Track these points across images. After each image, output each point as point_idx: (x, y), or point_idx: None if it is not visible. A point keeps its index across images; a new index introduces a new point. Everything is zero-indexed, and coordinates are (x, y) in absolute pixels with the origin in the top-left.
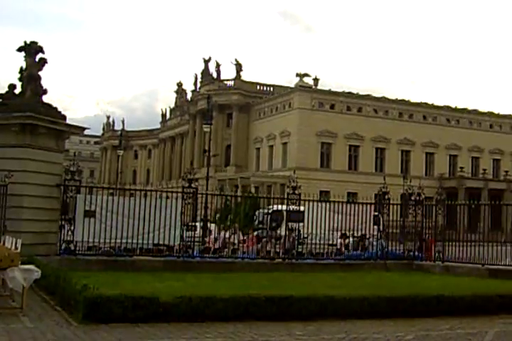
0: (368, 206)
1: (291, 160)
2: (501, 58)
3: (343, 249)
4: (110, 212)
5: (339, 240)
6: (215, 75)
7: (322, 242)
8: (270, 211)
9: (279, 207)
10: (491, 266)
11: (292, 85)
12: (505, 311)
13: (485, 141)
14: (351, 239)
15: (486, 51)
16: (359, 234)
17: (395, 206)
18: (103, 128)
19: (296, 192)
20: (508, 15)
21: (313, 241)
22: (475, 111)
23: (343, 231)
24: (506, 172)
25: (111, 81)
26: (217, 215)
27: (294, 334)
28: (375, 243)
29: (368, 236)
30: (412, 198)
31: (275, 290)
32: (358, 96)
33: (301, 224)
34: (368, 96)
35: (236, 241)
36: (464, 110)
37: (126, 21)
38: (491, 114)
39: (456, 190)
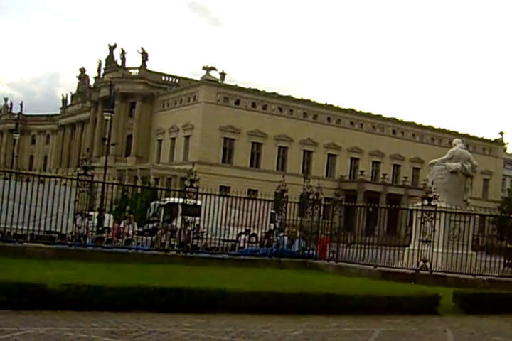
0: (266, 203)
1: (192, 153)
2: (407, 65)
3: (246, 244)
4: (1, 196)
5: (242, 236)
6: (119, 63)
7: (218, 237)
8: (165, 203)
9: (175, 199)
10: (383, 268)
11: (198, 78)
12: (393, 312)
13: (386, 146)
14: (259, 235)
15: (391, 56)
16: (258, 230)
17: (294, 205)
18: (0, 111)
19: (195, 185)
20: (410, 14)
21: (209, 236)
22: (379, 117)
23: (247, 227)
24: (405, 178)
25: (10, 61)
26: (115, 206)
27: (182, 326)
28: (285, 240)
29: (282, 234)
30: (311, 198)
31: (167, 281)
32: (263, 93)
33: (197, 218)
34: (273, 95)
35: (131, 232)
36: (368, 114)
37: (29, 0)
38: (394, 120)
39: (355, 192)
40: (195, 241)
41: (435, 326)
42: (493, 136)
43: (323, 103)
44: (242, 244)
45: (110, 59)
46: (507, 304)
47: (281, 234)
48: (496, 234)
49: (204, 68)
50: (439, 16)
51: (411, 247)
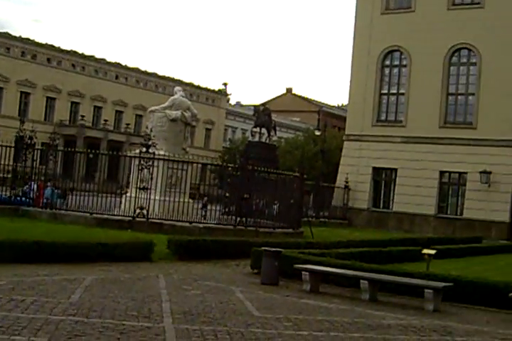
0: None
1: None
2: (135, 10)
3: None
4: None
5: None
6: None
7: None
8: None
9: None
10: (100, 216)
11: None
12: (107, 259)
13: (109, 91)
14: None
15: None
16: None
17: (7, 149)
18: None
19: None
20: None
21: None
22: (102, 61)
23: None
24: (128, 124)
25: None
26: None
27: None
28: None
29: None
30: (25, 142)
31: None
32: None
33: None
34: None
35: None
36: (90, 57)
37: None
38: (117, 65)
39: (75, 138)
40: None
41: (148, 273)
42: (217, 86)
43: (43, 42)
44: None
45: None
46: (220, 250)
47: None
48: (216, 183)
49: None
50: None
51: (129, 194)
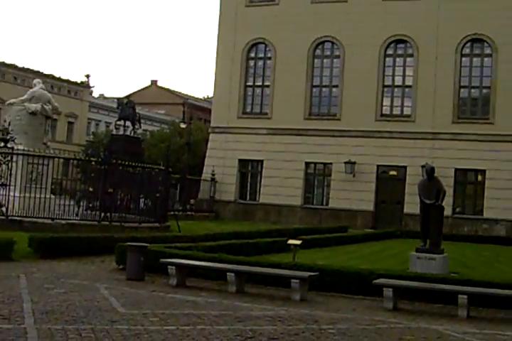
0: None
1: None
2: None
3: None
4: None
5: None
6: None
7: None
8: None
9: None
10: None
11: None
12: None
13: None
14: None
15: None
16: None
17: None
18: None
19: None
20: None
21: None
22: None
23: None
24: None
25: None
26: None
27: None
28: None
29: None
30: None
31: None
32: None
33: None
34: None
35: None
36: None
37: None
38: None
39: None
40: None
41: (9, 272)
42: (79, 78)
43: None
44: None
45: None
46: (84, 247)
47: None
48: (80, 177)
49: None
50: None
51: None
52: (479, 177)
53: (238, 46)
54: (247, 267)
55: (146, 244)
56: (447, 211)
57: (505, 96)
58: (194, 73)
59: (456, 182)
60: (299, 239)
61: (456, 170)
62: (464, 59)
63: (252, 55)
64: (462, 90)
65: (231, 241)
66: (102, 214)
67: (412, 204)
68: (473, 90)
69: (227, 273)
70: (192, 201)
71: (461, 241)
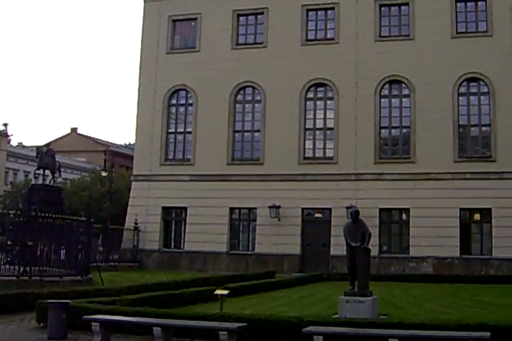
0: None
1: None
2: None
3: None
4: None
5: None
6: None
7: None
8: None
9: None
10: None
11: None
12: None
13: None
14: None
15: None
16: None
17: None
18: None
19: None
20: None
21: None
22: None
23: None
24: None
25: None
26: None
27: None
28: None
29: None
30: None
31: None
32: None
33: None
34: None
35: None
36: None
37: None
38: None
39: None
40: None
41: None
42: None
43: None
44: None
45: None
46: (2, 305)
47: None
48: None
49: None
50: None
51: None
52: (404, 216)
53: (159, 93)
54: (174, 320)
55: (67, 301)
56: (374, 251)
57: (424, 134)
58: (115, 119)
59: (381, 222)
60: (226, 288)
61: (380, 209)
62: (383, 100)
63: (174, 101)
64: (383, 131)
65: (156, 292)
66: (21, 269)
67: (338, 246)
68: (393, 130)
69: (153, 328)
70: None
71: (389, 280)
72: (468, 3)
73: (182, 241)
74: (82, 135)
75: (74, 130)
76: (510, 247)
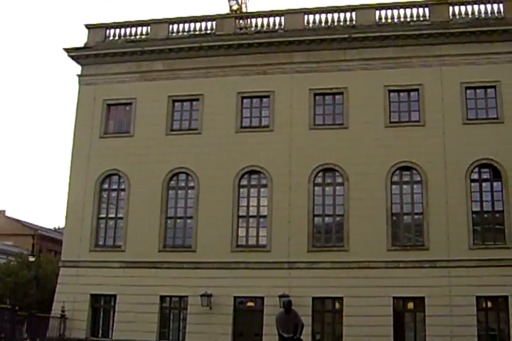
0: None
1: None
2: None
3: None
4: None
5: None
6: None
7: None
8: None
9: None
10: None
11: None
12: None
13: None
14: None
15: None
16: None
17: None
18: None
19: None
20: None
21: None
22: None
23: None
24: None
25: None
26: None
27: None
28: None
29: None
30: None
31: None
32: None
33: None
34: None
35: None
36: None
37: None
38: None
39: None
40: None
41: None
42: None
43: None
44: None
45: None
46: None
47: None
48: None
49: None
50: None
51: None
52: (337, 305)
53: (91, 177)
54: None
55: None
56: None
57: (357, 223)
58: (45, 203)
59: (314, 311)
60: None
61: (313, 298)
62: (316, 188)
63: (106, 186)
64: (316, 218)
65: None
66: None
67: (270, 336)
68: (327, 218)
69: None
70: None
71: None
72: (401, 94)
73: (110, 329)
74: (10, 218)
75: (2, 212)
76: (444, 336)
